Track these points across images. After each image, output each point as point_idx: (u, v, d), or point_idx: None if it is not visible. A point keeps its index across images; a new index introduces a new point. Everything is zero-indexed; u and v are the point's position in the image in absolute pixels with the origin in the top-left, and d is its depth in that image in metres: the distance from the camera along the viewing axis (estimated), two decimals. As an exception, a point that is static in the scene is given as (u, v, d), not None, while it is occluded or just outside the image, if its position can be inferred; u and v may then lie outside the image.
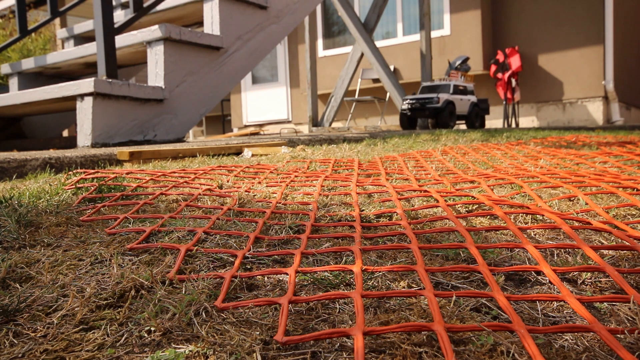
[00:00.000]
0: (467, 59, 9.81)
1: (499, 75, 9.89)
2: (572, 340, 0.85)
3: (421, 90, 8.60)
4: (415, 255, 1.14)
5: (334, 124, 11.17)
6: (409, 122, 8.59)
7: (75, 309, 0.97)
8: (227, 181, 2.29)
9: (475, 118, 8.80)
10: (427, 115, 8.13)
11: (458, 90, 8.51)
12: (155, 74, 5.11)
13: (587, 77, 9.55)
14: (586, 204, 1.67)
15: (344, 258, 1.23)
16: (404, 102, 8.37)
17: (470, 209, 1.68)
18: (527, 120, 10.31)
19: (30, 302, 1.00)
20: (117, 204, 1.78)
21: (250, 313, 0.94)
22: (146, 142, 4.97)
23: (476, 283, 1.10)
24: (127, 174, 2.32)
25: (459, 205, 1.71)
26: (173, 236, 1.39)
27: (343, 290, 1.06)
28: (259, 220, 1.50)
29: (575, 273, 1.13)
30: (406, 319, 0.92)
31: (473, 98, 8.84)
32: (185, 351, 0.81)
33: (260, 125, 13.47)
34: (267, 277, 1.13)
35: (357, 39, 9.17)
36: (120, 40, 5.24)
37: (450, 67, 9.25)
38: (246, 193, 1.97)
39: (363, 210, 1.68)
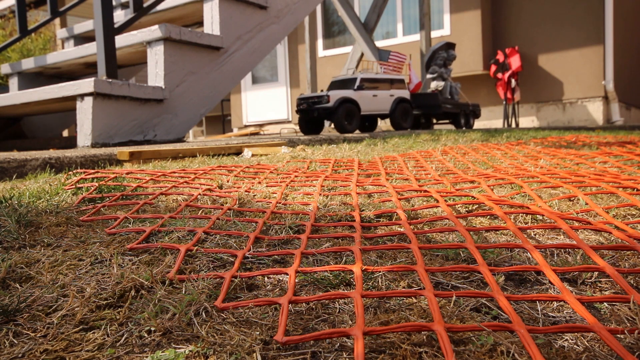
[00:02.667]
0: (447, 44, 8.48)
1: (499, 75, 9.89)
2: (572, 340, 0.85)
3: (330, 86, 7.30)
4: (415, 255, 1.14)
5: (334, 124, 11.16)
6: (306, 125, 7.11)
7: (75, 309, 0.97)
8: (227, 181, 2.29)
9: (404, 117, 7.33)
10: (317, 117, 6.84)
11: (370, 85, 7.03)
12: (155, 74, 5.11)
13: (587, 77, 9.56)
14: (586, 204, 1.67)
15: (344, 258, 1.23)
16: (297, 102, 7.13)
17: (470, 209, 1.68)
18: (527, 120, 10.32)
19: (30, 302, 1.00)
20: (117, 204, 1.78)
21: (250, 313, 0.94)
22: (146, 142, 4.97)
23: (476, 283, 1.10)
24: (127, 174, 2.32)
25: (459, 205, 1.71)
26: (173, 236, 1.39)
27: (343, 290, 1.06)
28: (259, 220, 1.50)
29: (575, 273, 1.13)
30: (406, 319, 0.92)
31: (400, 93, 7.32)
32: (185, 351, 0.81)
33: (260, 125, 13.47)
34: (267, 277, 1.13)
35: (357, 39, 9.17)
36: (120, 40, 5.24)
37: (380, 55, 7.73)
38: (246, 193, 1.97)
39: (363, 210, 1.68)
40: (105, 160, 3.30)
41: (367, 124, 7.73)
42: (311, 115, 6.85)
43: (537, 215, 1.53)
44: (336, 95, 6.64)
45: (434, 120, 8.58)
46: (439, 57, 8.57)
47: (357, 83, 6.89)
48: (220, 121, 15.68)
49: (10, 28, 10.34)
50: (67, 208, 1.73)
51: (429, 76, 8.75)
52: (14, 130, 6.45)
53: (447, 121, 8.57)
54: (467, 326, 0.82)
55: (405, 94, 7.40)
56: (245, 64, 5.94)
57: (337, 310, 0.97)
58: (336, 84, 7.22)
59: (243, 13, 5.79)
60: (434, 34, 10.27)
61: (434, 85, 8.53)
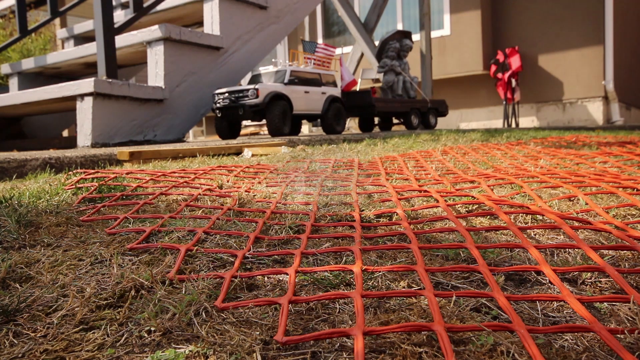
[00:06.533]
0: (400, 33, 7.45)
1: (499, 75, 9.89)
2: (572, 340, 0.85)
3: (250, 80, 6.00)
4: (415, 255, 1.14)
5: (334, 124, 11.15)
6: (229, 126, 5.81)
7: (75, 309, 0.97)
8: (227, 181, 2.29)
9: (337, 119, 6.24)
10: (242, 115, 5.42)
11: (300, 80, 5.80)
12: (155, 74, 5.11)
13: (587, 77, 9.55)
14: (586, 204, 1.67)
15: (344, 258, 1.23)
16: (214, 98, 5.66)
17: (470, 209, 1.68)
18: (527, 120, 10.32)
19: (30, 302, 1.00)
20: (117, 204, 1.78)
21: (250, 313, 0.94)
22: (146, 142, 4.97)
23: (476, 283, 1.10)
24: (127, 174, 2.32)
25: (459, 205, 1.71)
26: (173, 236, 1.39)
27: (343, 290, 1.06)
28: (259, 220, 1.50)
29: (575, 273, 1.13)
30: (406, 319, 0.92)
31: (332, 91, 6.25)
32: (185, 351, 0.81)
33: (260, 125, 13.47)
34: (267, 277, 1.13)
35: (357, 39, 9.17)
36: (120, 40, 5.25)
37: (304, 47, 6.49)
38: (246, 193, 1.97)
39: (363, 210, 1.68)
40: (105, 160, 3.30)
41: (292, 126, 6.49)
42: (235, 114, 5.44)
43: (537, 215, 1.53)
44: (266, 89, 5.28)
45: (394, 120, 7.53)
46: (390, 48, 7.48)
47: (287, 76, 5.58)
48: (220, 121, 15.67)
49: (11, 28, 10.35)
50: (67, 208, 1.73)
51: (379, 71, 7.66)
52: (14, 130, 6.46)
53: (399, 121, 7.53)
54: (467, 326, 0.82)
55: (337, 92, 6.36)
56: (246, 64, 5.94)
57: (337, 310, 0.97)
58: (258, 79, 5.85)
59: (243, 13, 5.79)
60: (434, 34, 10.27)
61: (384, 81, 7.56)
